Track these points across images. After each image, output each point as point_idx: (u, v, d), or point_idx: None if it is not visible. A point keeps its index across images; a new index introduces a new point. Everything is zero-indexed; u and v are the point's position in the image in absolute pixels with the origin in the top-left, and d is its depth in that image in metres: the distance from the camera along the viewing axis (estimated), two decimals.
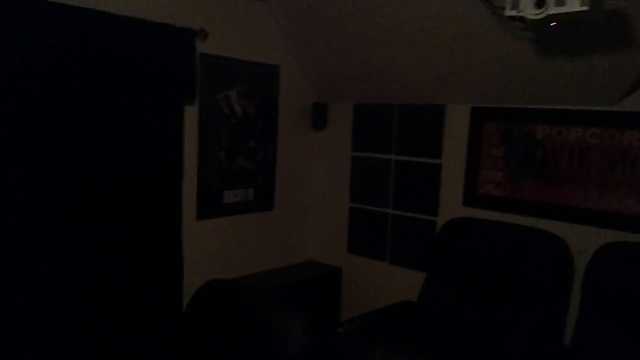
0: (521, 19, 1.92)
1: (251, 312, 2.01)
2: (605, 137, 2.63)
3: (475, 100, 3.05)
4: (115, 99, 2.56)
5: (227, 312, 2.09)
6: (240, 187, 3.31)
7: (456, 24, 2.64)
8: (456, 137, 3.15)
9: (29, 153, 2.30)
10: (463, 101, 3.09)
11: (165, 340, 2.76)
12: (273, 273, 3.54)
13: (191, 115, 2.95)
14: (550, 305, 2.62)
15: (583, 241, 2.70)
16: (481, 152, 3.04)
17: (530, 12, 1.86)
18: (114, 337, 2.65)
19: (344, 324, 2.80)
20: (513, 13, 1.91)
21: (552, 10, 1.80)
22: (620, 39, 2.28)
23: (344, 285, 3.77)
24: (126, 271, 2.68)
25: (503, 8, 1.96)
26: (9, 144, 2.23)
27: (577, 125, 2.71)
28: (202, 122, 3.01)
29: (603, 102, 2.61)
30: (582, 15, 1.80)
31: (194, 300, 2.25)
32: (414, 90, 3.23)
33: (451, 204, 3.19)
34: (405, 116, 3.37)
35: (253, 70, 3.27)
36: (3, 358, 2.29)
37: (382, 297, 3.50)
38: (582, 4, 1.74)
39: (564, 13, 1.79)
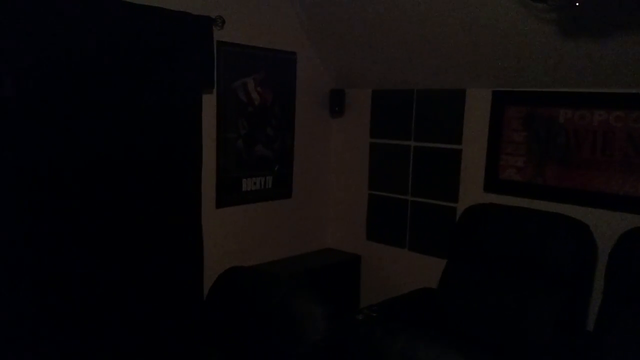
0: (544, 0, 1.87)
1: (271, 299, 2.02)
2: (630, 120, 2.57)
3: (496, 84, 3.00)
4: (133, 88, 2.57)
5: (247, 299, 2.10)
6: (258, 175, 3.31)
7: (477, 6, 2.59)
8: (477, 122, 3.10)
9: (50, 142, 2.32)
10: (484, 85, 3.05)
11: (187, 327, 2.79)
12: (292, 260, 3.55)
13: (209, 103, 2.95)
14: (573, 291, 2.58)
15: (607, 226, 2.65)
16: (502, 136, 3.00)
17: None
18: (136, 325, 2.69)
19: (363, 311, 2.80)
20: None
21: None
22: None
23: (363, 272, 3.76)
24: (147, 260, 2.71)
25: None
26: (31, 132, 2.26)
27: (601, 108, 2.65)
28: (220, 111, 3.02)
29: (628, 85, 2.55)
30: None
31: (215, 287, 2.27)
32: (433, 75, 3.19)
33: (472, 190, 3.15)
34: (425, 101, 3.33)
35: (270, 57, 3.26)
36: (25, 343, 2.33)
37: (401, 284, 3.49)
38: None
39: None
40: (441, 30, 2.85)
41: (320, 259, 3.64)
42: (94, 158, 2.47)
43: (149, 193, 2.69)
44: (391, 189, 3.55)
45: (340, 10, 3.10)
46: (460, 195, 3.20)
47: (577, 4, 1.87)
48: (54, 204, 2.36)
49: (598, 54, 2.48)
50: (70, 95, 2.36)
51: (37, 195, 2.30)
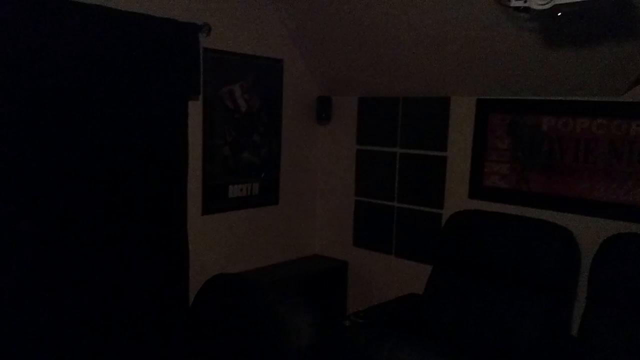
0: (527, 9, 1.90)
1: (257, 306, 2.01)
2: (612, 128, 2.61)
3: (480, 92, 3.03)
4: (119, 94, 2.56)
5: (233, 306, 2.09)
6: (245, 182, 3.31)
7: (461, 15, 2.62)
8: (461, 129, 3.14)
9: (36, 148, 2.30)
10: (468, 93, 3.08)
11: (172, 335, 2.77)
12: (278, 267, 3.54)
13: (195, 110, 2.95)
14: (557, 297, 2.61)
15: (590, 232, 2.69)
16: (487, 144, 3.03)
17: (536, 2, 1.84)
18: (120, 332, 2.66)
19: (350, 317, 2.80)
20: (519, 4, 1.89)
21: (559, 0, 1.78)
22: (627, 28, 2.26)
23: (349, 278, 3.77)
24: (132, 266, 2.68)
25: None
26: (17, 138, 2.24)
27: (584, 116, 2.70)
28: (206, 117, 3.01)
29: (610, 93, 2.59)
30: (589, 5, 1.78)
31: (200, 294, 2.26)
32: (418, 83, 3.22)
33: (457, 197, 3.18)
34: (410, 109, 3.35)
35: (257, 64, 3.26)
36: (4, 356, 2.30)
37: (388, 290, 3.50)
38: None
39: (571, 3, 1.77)
40: (426, 39, 2.87)
41: (307, 266, 3.64)
42: (79, 165, 2.45)
43: (135, 199, 2.67)
44: (377, 196, 3.56)
45: (326, 18, 3.12)
46: (446, 201, 3.23)
47: (560, 13, 1.89)
48: (38, 208, 2.33)
49: (580, 63, 2.52)
50: (54, 102, 2.34)
51: (18, 198, 2.28)
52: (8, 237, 2.26)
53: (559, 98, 2.77)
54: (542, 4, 1.84)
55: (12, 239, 2.27)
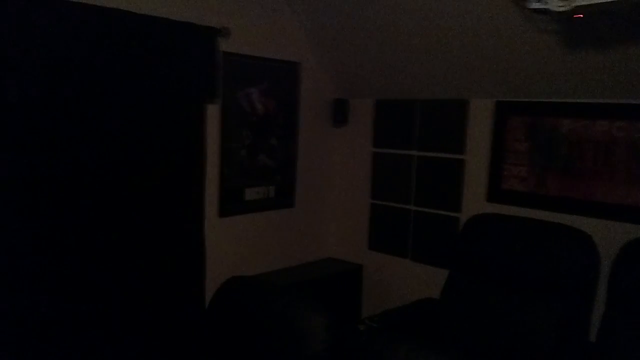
0: (546, 11, 1.88)
1: (273, 309, 2.02)
2: (632, 131, 2.57)
3: (499, 95, 3.01)
4: (138, 97, 2.59)
5: (249, 309, 2.10)
6: (261, 185, 3.32)
7: (479, 17, 2.61)
8: (479, 132, 3.11)
9: (55, 149, 2.34)
10: (487, 95, 3.06)
11: (188, 336, 2.79)
12: (294, 270, 3.55)
13: (213, 113, 2.97)
14: (575, 302, 2.58)
15: (609, 237, 2.65)
16: (505, 147, 3.00)
17: (555, 4, 1.82)
18: (137, 333, 2.69)
19: (365, 321, 2.79)
20: (538, 5, 1.87)
21: (579, 1, 1.76)
22: None
23: (364, 282, 3.76)
24: (150, 268, 2.71)
25: (527, 0, 1.93)
26: (34, 139, 2.28)
27: (603, 118, 2.66)
28: (224, 120, 3.03)
29: (630, 95, 2.55)
30: (610, 7, 1.75)
31: (216, 296, 2.27)
32: (436, 85, 3.20)
33: (474, 200, 3.15)
34: (427, 111, 3.34)
35: (274, 67, 3.27)
36: (24, 352, 2.33)
37: (403, 295, 3.48)
38: None
39: (591, 4, 1.75)
40: (444, 41, 2.86)
41: (322, 269, 3.63)
42: (98, 166, 2.48)
43: (153, 201, 2.70)
44: (394, 199, 3.55)
45: (343, 21, 3.12)
46: (463, 205, 3.20)
47: (580, 15, 1.87)
48: (56, 209, 2.36)
49: (600, 65, 2.49)
50: (75, 103, 2.38)
51: (39, 199, 2.31)
52: (20, 240, 2.29)
53: (579, 100, 2.73)
54: (561, 6, 1.82)
55: (23, 241, 2.31)
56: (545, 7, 1.87)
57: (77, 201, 2.43)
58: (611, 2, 1.71)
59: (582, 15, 1.86)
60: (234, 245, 3.20)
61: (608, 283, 2.51)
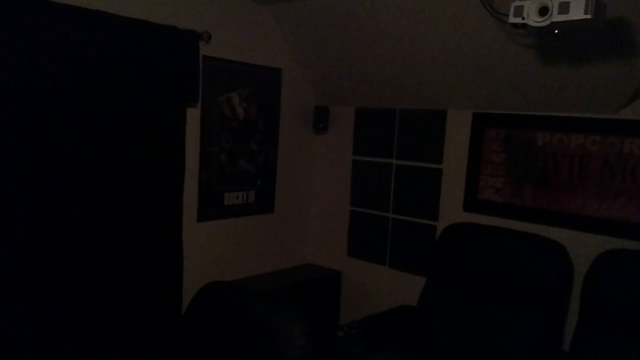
0: (524, 26, 1.93)
1: (251, 315, 2.01)
2: (606, 145, 2.64)
3: (476, 106, 3.06)
4: (118, 100, 2.57)
5: (226, 314, 2.09)
6: (241, 190, 3.31)
7: (459, 30, 2.65)
8: (457, 143, 3.16)
9: (32, 153, 2.30)
10: (464, 107, 3.10)
11: (165, 342, 2.76)
12: (273, 275, 3.54)
13: (193, 117, 2.95)
14: (549, 312, 2.62)
15: (583, 248, 2.70)
16: (482, 157, 3.05)
17: (533, 19, 1.87)
18: (113, 339, 2.65)
19: (343, 328, 2.80)
20: (516, 20, 1.92)
21: (556, 17, 1.81)
22: (622, 47, 2.29)
23: (343, 288, 3.77)
24: (126, 272, 2.68)
25: (506, 15, 1.97)
26: (10, 144, 2.24)
27: (578, 132, 2.72)
28: (204, 124, 3.02)
29: (604, 110, 2.62)
30: (586, 23, 1.81)
31: (194, 302, 2.26)
32: (415, 95, 3.24)
33: (451, 209, 3.19)
34: (407, 121, 3.37)
35: (255, 73, 3.28)
36: (2, 357, 2.29)
37: (381, 301, 3.50)
38: (586, 12, 1.75)
39: (568, 21, 1.80)
40: (424, 53, 2.90)
41: (301, 275, 3.63)
42: (75, 169, 2.45)
43: (130, 205, 2.67)
44: (373, 206, 3.57)
45: (325, 29, 3.15)
46: (440, 213, 3.24)
47: (556, 31, 1.92)
48: (31, 212, 2.32)
49: (576, 79, 2.55)
50: (52, 107, 2.34)
51: (11, 204, 2.28)
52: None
53: (554, 114, 2.80)
54: (539, 21, 1.87)
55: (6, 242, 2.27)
56: (523, 21, 1.92)
57: (51, 203, 2.39)
58: (586, 19, 1.77)
59: (557, 31, 1.92)
60: (212, 251, 3.19)
61: (581, 293, 2.56)
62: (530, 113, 2.88)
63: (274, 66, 3.40)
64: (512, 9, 1.93)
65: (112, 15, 2.46)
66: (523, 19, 1.90)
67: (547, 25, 1.86)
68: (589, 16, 1.76)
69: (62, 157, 2.40)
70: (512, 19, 1.94)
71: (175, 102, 2.81)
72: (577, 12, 1.77)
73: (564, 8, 1.79)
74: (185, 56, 2.77)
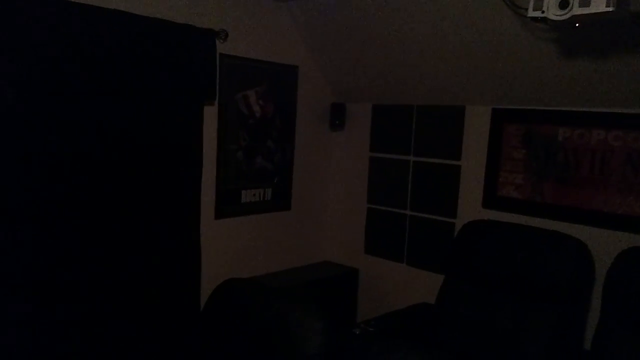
0: (544, 19, 1.90)
1: (268, 311, 2.02)
2: (629, 140, 2.59)
3: (495, 102, 3.02)
4: (135, 99, 2.59)
5: (244, 311, 2.09)
6: (258, 187, 3.32)
7: (478, 24, 2.62)
8: (476, 139, 3.12)
9: (50, 150, 2.33)
10: (483, 102, 3.07)
11: (183, 339, 2.78)
12: (289, 273, 3.54)
13: (210, 115, 2.97)
14: (570, 310, 2.59)
15: (604, 245, 2.66)
16: (501, 154, 3.01)
17: (554, 13, 1.83)
18: (131, 336, 2.68)
19: (360, 325, 2.79)
20: (536, 14, 1.89)
21: (577, 11, 1.78)
22: None
23: (360, 286, 3.76)
24: (144, 270, 2.70)
25: (526, 9, 1.94)
26: (29, 139, 2.27)
27: (600, 127, 2.67)
28: (221, 122, 3.03)
29: (626, 105, 2.57)
30: (607, 16, 1.77)
31: (212, 299, 2.27)
32: (433, 91, 3.21)
33: (470, 206, 3.16)
34: (424, 117, 3.35)
35: (272, 70, 3.28)
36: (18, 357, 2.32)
37: (399, 299, 3.48)
38: (608, 5, 1.71)
39: (589, 14, 1.76)
40: (442, 48, 2.87)
41: (317, 272, 3.63)
42: (94, 166, 2.48)
43: (149, 202, 2.69)
44: (390, 203, 3.55)
45: (341, 26, 3.13)
46: (459, 210, 3.21)
47: (577, 24, 1.89)
48: (49, 208, 2.36)
49: (597, 74, 2.50)
50: (72, 104, 2.37)
51: (31, 200, 2.31)
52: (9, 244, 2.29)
53: (575, 109, 2.75)
54: (559, 15, 1.83)
55: (13, 242, 2.30)
56: (543, 15, 1.89)
57: (71, 202, 2.42)
58: (608, 12, 1.73)
59: (579, 24, 1.88)
60: (229, 248, 3.20)
61: (603, 291, 2.52)
62: (550, 108, 2.84)
63: (290, 63, 3.40)
64: (531, 3, 1.90)
65: (130, 14, 2.48)
66: (543, 12, 1.87)
67: (568, 19, 1.82)
68: (611, 8, 1.72)
69: (80, 156, 2.43)
70: (532, 13, 1.91)
71: (192, 100, 2.83)
72: (599, 5, 1.73)
73: (585, 1, 1.75)
74: (202, 55, 2.78)
